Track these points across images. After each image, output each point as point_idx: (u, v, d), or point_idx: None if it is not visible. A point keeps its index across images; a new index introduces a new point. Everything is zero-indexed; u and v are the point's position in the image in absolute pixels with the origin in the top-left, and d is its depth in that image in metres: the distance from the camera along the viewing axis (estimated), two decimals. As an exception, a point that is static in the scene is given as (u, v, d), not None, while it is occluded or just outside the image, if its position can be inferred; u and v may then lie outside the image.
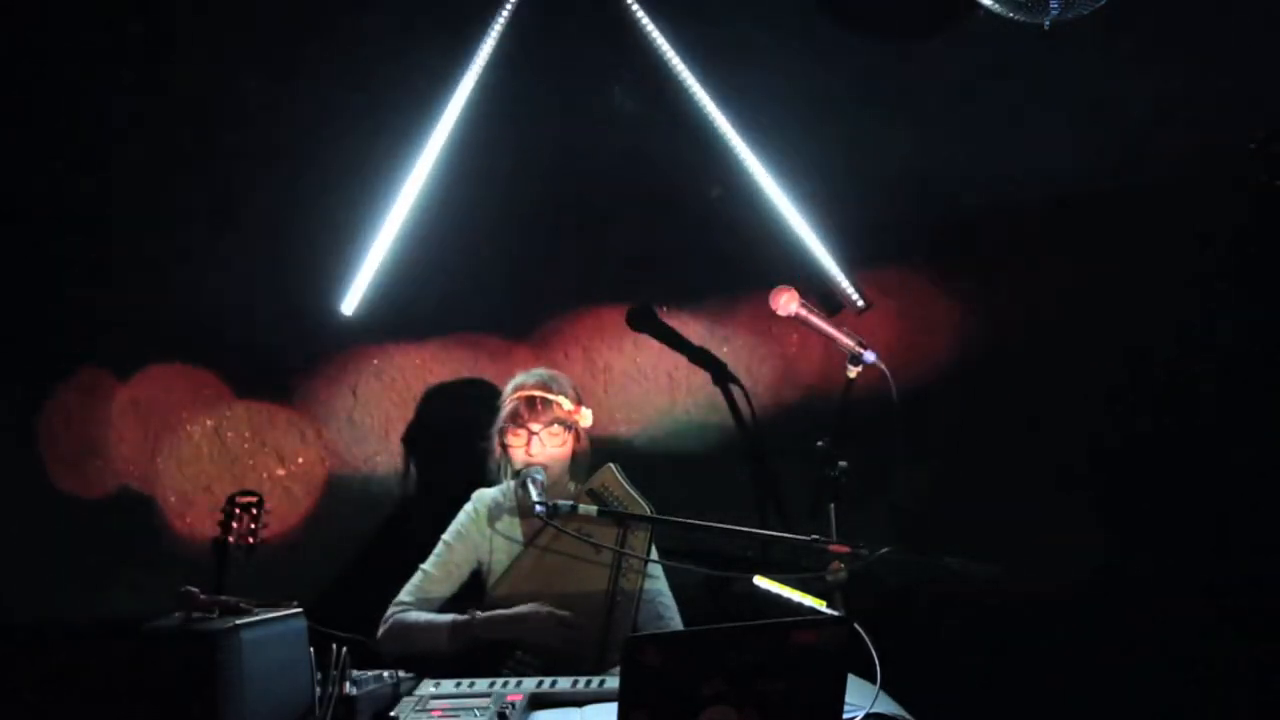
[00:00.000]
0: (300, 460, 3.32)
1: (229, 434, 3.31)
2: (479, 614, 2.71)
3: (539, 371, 2.94)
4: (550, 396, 2.83)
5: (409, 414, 3.33)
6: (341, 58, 3.26)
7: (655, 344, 3.30)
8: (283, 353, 3.31)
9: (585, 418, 2.90)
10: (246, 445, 3.31)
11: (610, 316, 3.32)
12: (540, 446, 2.81)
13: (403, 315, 3.30)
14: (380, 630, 2.73)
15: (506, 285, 3.32)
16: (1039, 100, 3.18)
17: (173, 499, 3.29)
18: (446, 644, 2.67)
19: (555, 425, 2.83)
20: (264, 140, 3.28)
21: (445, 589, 2.83)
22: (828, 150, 3.24)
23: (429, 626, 2.71)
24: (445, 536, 2.88)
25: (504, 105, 3.25)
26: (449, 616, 2.73)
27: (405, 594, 2.80)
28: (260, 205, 3.29)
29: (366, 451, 3.31)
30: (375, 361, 3.33)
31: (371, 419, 3.32)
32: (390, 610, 2.78)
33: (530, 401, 2.83)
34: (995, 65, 3.17)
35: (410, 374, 3.33)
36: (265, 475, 3.29)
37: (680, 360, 3.30)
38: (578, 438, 2.90)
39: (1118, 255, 3.18)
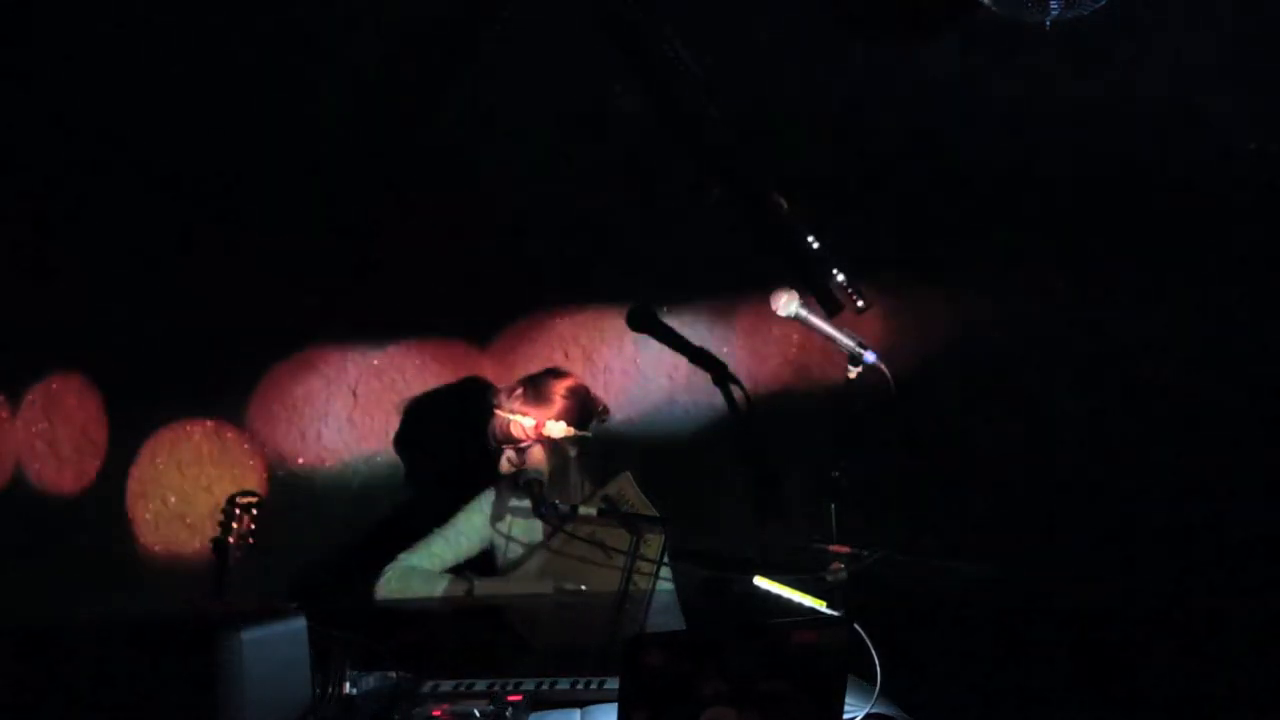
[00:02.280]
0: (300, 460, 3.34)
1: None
2: (481, 580, 2.79)
3: (508, 386, 2.92)
4: (508, 416, 2.83)
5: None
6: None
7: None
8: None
9: (552, 430, 2.84)
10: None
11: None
12: (507, 463, 2.85)
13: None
14: (382, 573, 2.78)
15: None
16: (1044, 98, 3.16)
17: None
18: (442, 595, 2.73)
19: (519, 444, 2.84)
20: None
21: (450, 555, 2.87)
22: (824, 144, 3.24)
23: (429, 576, 2.79)
24: (463, 508, 2.93)
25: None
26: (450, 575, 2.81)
27: (412, 549, 2.86)
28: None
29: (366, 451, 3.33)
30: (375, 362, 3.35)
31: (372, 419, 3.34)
32: (395, 560, 2.83)
33: (494, 421, 2.85)
34: (998, 61, 3.16)
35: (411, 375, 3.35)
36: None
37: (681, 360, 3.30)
38: (550, 449, 2.86)
39: (1119, 255, 3.18)
